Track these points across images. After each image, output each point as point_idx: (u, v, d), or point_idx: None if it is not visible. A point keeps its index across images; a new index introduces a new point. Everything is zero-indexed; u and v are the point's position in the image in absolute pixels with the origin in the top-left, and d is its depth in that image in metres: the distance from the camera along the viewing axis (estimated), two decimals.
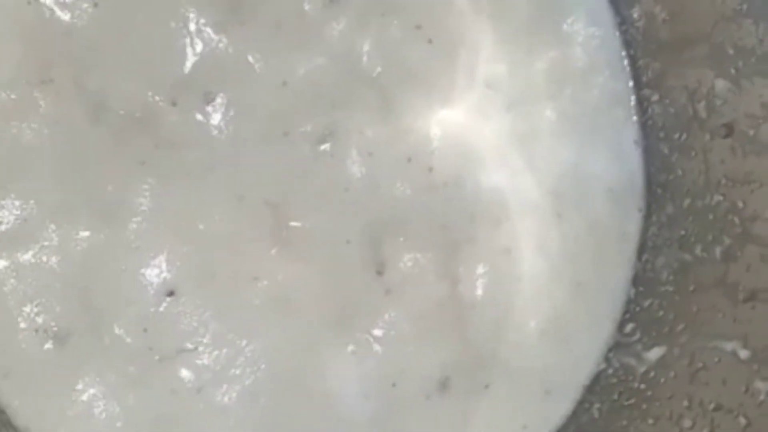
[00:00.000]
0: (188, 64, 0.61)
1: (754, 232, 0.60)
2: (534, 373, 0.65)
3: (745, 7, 0.59)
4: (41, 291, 0.59)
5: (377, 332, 0.62)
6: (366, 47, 0.63)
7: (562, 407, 0.65)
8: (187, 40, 0.61)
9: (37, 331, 0.59)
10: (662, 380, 0.62)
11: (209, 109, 0.61)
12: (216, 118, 0.61)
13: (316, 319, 0.61)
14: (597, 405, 0.65)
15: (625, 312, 0.67)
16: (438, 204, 0.64)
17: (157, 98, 0.60)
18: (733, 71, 0.61)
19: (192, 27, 0.61)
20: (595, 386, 0.66)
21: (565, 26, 0.67)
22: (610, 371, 0.66)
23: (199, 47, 0.61)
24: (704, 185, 0.64)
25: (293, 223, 0.62)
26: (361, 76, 0.63)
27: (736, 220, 0.61)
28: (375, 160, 0.63)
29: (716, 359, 0.59)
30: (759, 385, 0.57)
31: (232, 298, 0.60)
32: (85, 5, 0.59)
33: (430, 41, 0.64)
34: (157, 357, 0.59)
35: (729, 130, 0.62)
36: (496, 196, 0.65)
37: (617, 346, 0.66)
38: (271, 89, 0.62)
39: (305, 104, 0.62)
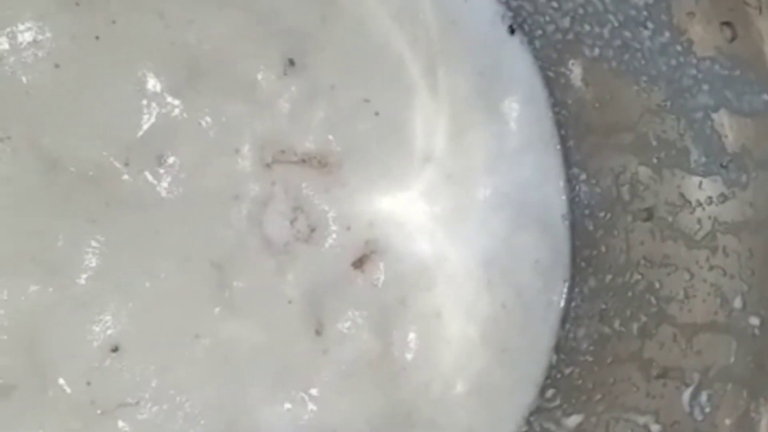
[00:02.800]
0: (143, 126, 0.61)
1: (668, 312, 0.63)
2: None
3: (668, 103, 0.62)
4: None
5: (313, 391, 0.64)
6: (316, 117, 0.65)
7: None
8: (144, 102, 0.61)
9: None
10: None
11: (161, 170, 0.62)
12: (167, 180, 0.62)
13: (255, 377, 0.63)
14: None
15: (547, 378, 0.69)
16: (375, 269, 0.66)
17: (110, 158, 0.61)
18: (655, 160, 0.64)
19: (149, 90, 0.61)
20: None
21: (503, 106, 0.70)
22: None
23: (154, 110, 0.62)
24: (625, 263, 0.67)
25: (236, 284, 0.63)
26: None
27: (653, 299, 0.64)
28: (318, 225, 0.65)
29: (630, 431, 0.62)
30: None
31: (174, 354, 0.61)
32: (47, 66, 0.60)
33: (377, 114, 0.67)
34: (99, 411, 0.60)
35: (649, 214, 0.65)
36: (429, 264, 0.67)
37: (538, 410, 0.68)
38: (222, 154, 0.63)
39: (254, 170, 0.64)
